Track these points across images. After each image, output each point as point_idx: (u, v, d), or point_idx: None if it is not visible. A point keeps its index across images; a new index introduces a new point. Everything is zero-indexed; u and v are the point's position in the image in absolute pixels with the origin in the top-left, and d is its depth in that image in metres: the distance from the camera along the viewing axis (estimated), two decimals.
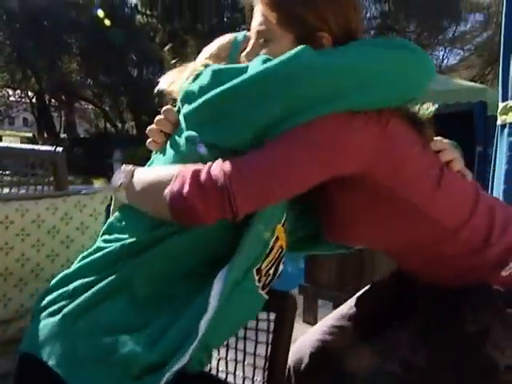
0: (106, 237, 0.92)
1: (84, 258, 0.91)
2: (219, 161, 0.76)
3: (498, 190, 1.99)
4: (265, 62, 0.81)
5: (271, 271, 0.90)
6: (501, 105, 1.99)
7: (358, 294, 1.16)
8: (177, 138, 0.87)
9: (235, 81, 0.79)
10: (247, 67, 0.83)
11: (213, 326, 0.76)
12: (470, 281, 0.89)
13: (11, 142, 18.46)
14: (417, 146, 0.86)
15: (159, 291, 0.86)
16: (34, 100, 20.87)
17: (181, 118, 0.88)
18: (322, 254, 2.03)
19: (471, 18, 21.03)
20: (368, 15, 19.52)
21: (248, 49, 0.94)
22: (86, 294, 0.84)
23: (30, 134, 19.71)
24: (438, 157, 0.90)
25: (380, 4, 19.29)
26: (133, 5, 17.09)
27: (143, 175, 0.87)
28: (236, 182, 0.73)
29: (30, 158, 1.51)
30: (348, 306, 1.13)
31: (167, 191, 0.76)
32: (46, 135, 18.95)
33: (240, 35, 1.03)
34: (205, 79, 0.85)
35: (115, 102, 19.16)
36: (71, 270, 0.92)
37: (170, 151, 0.88)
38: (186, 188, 0.74)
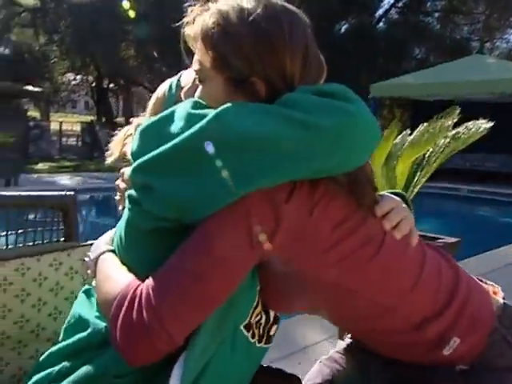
0: (83, 311, 0.91)
1: (66, 330, 0.93)
2: (145, 293, 0.73)
3: None
4: (188, 117, 0.76)
5: (262, 320, 0.87)
6: None
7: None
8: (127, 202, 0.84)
9: (150, 154, 0.75)
10: (172, 114, 0.79)
11: None
12: (414, 356, 0.85)
13: (72, 125, 19.29)
14: (349, 223, 0.78)
15: (137, 380, 0.83)
16: (93, 85, 21.64)
17: None
18: None
19: None
20: None
21: (187, 86, 0.93)
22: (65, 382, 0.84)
23: (89, 119, 20.43)
24: (378, 225, 0.82)
25: None
26: None
27: (101, 269, 0.86)
28: (167, 320, 0.71)
29: (36, 205, 1.45)
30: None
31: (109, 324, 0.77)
32: (104, 119, 19.62)
33: (174, 83, 1.02)
34: (135, 142, 0.82)
35: None
36: (56, 347, 0.92)
37: (124, 215, 0.87)
38: (120, 338, 0.73)
